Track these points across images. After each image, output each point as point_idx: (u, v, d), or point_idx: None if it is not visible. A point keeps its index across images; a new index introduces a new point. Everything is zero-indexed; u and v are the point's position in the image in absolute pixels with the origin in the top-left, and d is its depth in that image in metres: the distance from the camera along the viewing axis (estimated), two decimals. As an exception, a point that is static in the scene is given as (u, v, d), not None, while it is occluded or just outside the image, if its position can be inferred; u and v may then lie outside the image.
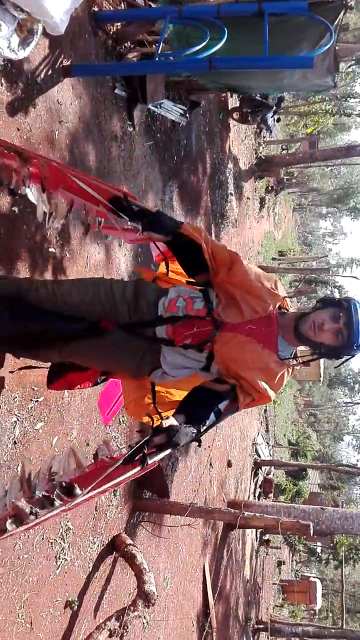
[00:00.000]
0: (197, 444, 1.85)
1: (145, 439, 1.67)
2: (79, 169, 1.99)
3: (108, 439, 4.00)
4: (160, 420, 2.03)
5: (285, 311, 2.04)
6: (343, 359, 2.02)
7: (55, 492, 1.44)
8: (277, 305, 2.00)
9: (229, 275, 2.01)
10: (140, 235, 1.97)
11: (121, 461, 1.60)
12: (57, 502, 1.41)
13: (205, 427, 1.86)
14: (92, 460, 1.80)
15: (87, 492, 1.48)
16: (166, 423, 1.78)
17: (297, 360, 2.06)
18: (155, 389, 2.20)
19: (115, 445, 4.16)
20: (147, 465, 1.66)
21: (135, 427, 4.45)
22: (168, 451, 1.74)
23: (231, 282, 2.01)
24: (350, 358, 2.00)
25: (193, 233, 1.97)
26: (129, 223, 1.93)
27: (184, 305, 2.03)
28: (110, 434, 4.13)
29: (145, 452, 1.64)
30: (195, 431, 1.79)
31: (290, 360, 2.02)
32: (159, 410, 2.19)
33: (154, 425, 1.88)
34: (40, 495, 1.44)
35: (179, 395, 2.22)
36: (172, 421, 1.79)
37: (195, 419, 1.85)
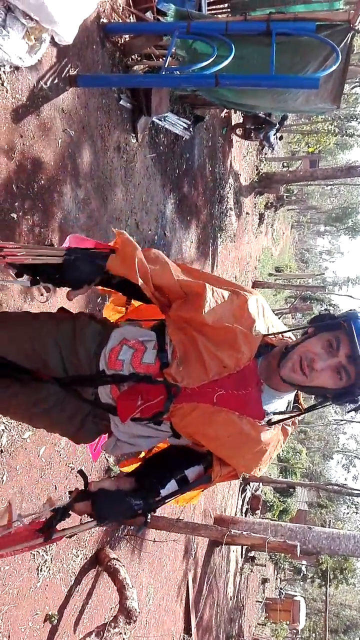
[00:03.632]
0: (143, 519, 1.40)
1: (64, 505, 1.30)
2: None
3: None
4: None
5: (270, 347, 1.43)
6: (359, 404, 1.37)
7: None
8: (255, 350, 1.39)
9: (186, 309, 1.39)
10: (51, 294, 1.35)
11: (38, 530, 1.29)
12: None
13: (159, 499, 1.40)
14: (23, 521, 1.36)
15: None
16: (97, 485, 1.34)
17: (299, 407, 1.51)
18: None
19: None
20: (52, 539, 1.30)
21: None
22: (92, 525, 1.31)
23: (189, 320, 1.38)
24: None
25: (124, 271, 1.41)
26: (30, 287, 1.37)
27: (129, 358, 1.45)
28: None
29: (54, 524, 1.26)
30: (139, 504, 1.35)
31: (288, 411, 1.47)
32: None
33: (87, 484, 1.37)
34: None
35: None
36: (106, 483, 1.36)
37: (148, 485, 1.41)
